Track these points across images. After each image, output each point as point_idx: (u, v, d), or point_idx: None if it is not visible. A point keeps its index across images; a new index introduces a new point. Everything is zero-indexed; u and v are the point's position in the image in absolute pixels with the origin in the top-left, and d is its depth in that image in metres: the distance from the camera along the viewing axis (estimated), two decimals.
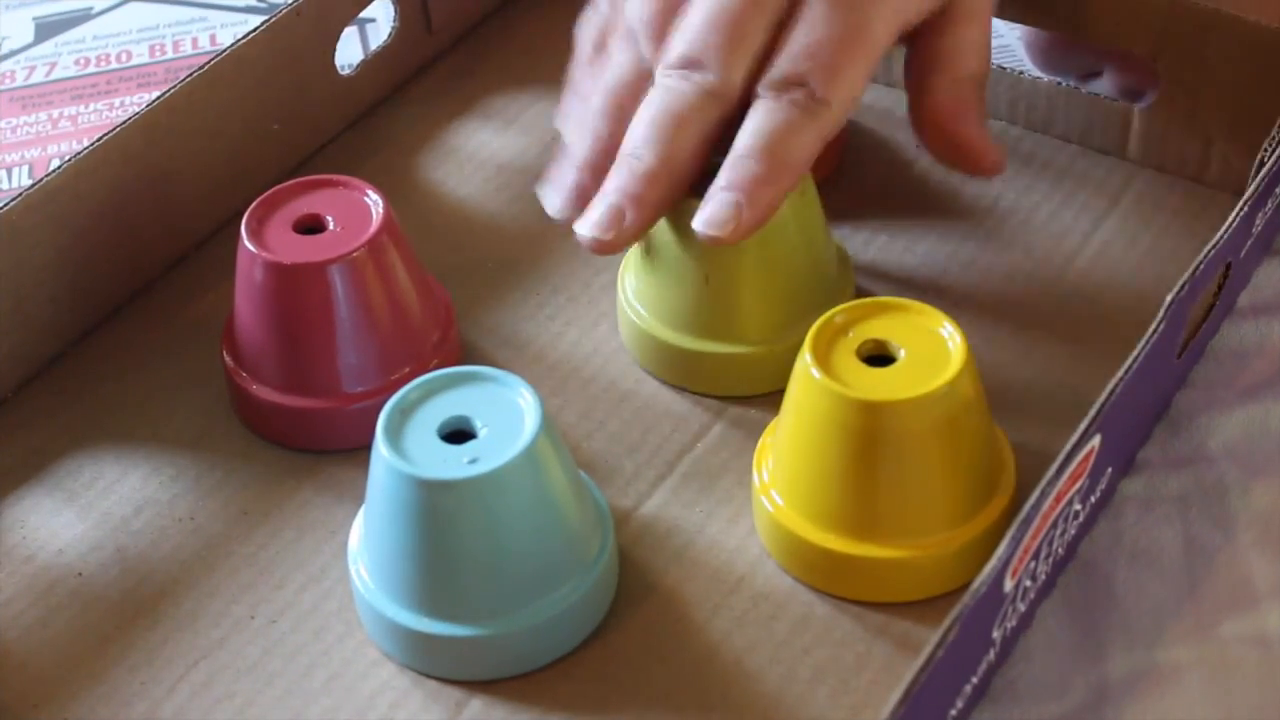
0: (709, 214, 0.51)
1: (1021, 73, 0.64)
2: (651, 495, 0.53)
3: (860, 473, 0.48)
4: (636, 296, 0.57)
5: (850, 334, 0.49)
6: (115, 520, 0.54)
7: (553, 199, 0.54)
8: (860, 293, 0.59)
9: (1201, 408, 0.55)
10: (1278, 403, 0.55)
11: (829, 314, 0.50)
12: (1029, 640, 0.49)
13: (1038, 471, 0.46)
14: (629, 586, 0.51)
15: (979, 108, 0.55)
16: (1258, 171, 0.54)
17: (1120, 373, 0.47)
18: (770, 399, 0.54)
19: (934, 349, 0.49)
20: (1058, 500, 0.46)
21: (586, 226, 0.52)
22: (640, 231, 0.52)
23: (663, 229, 0.55)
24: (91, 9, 0.80)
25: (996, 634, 0.46)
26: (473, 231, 0.63)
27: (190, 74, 0.60)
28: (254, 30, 0.62)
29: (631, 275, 0.57)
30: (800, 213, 0.54)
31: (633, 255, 0.58)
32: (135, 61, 0.76)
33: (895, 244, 0.61)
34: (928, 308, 0.50)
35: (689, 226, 0.53)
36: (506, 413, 0.48)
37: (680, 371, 0.56)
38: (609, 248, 0.52)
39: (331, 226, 0.54)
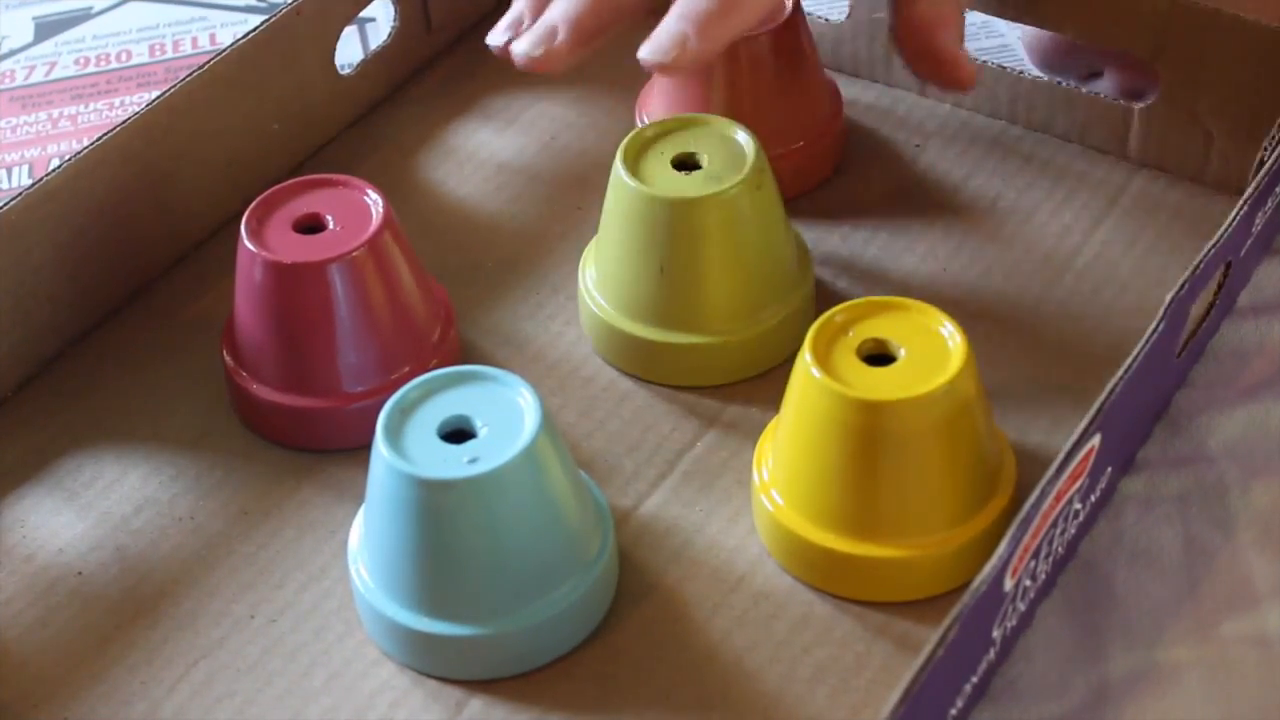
0: (654, 43, 0.51)
1: (1021, 72, 0.64)
2: (651, 494, 0.53)
3: (860, 472, 0.48)
4: (596, 286, 0.57)
5: (850, 333, 0.49)
6: (115, 519, 0.54)
7: (493, 36, 0.54)
8: (859, 291, 0.59)
9: (1201, 407, 0.55)
10: (1278, 402, 0.55)
11: (829, 313, 0.50)
12: (1029, 640, 0.49)
13: (1038, 471, 0.46)
14: (629, 586, 0.51)
15: (957, 22, 0.56)
16: (1257, 171, 0.54)
17: (1120, 372, 0.47)
18: (769, 397, 0.54)
19: (934, 348, 0.49)
20: (1058, 499, 0.46)
21: (520, 45, 0.52)
22: (573, 51, 0.52)
23: (620, 219, 0.55)
24: (91, 8, 0.80)
25: (996, 633, 0.46)
26: (473, 231, 0.63)
27: (190, 74, 0.60)
28: (254, 30, 0.62)
29: (592, 265, 0.58)
30: (758, 203, 0.55)
31: (594, 245, 0.58)
32: (135, 61, 0.76)
33: (895, 244, 0.61)
34: (928, 307, 0.50)
35: (645, 215, 0.54)
36: (506, 412, 0.48)
37: (638, 361, 0.57)
38: (542, 65, 0.52)
39: (331, 226, 0.54)
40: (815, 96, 0.63)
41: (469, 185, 0.65)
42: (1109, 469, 0.51)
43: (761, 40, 0.60)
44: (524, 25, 0.54)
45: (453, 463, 0.47)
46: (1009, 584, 0.45)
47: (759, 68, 0.60)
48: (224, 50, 0.61)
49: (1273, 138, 0.55)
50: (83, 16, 0.79)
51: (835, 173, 0.64)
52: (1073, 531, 0.50)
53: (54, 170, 0.56)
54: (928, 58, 0.56)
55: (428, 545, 0.47)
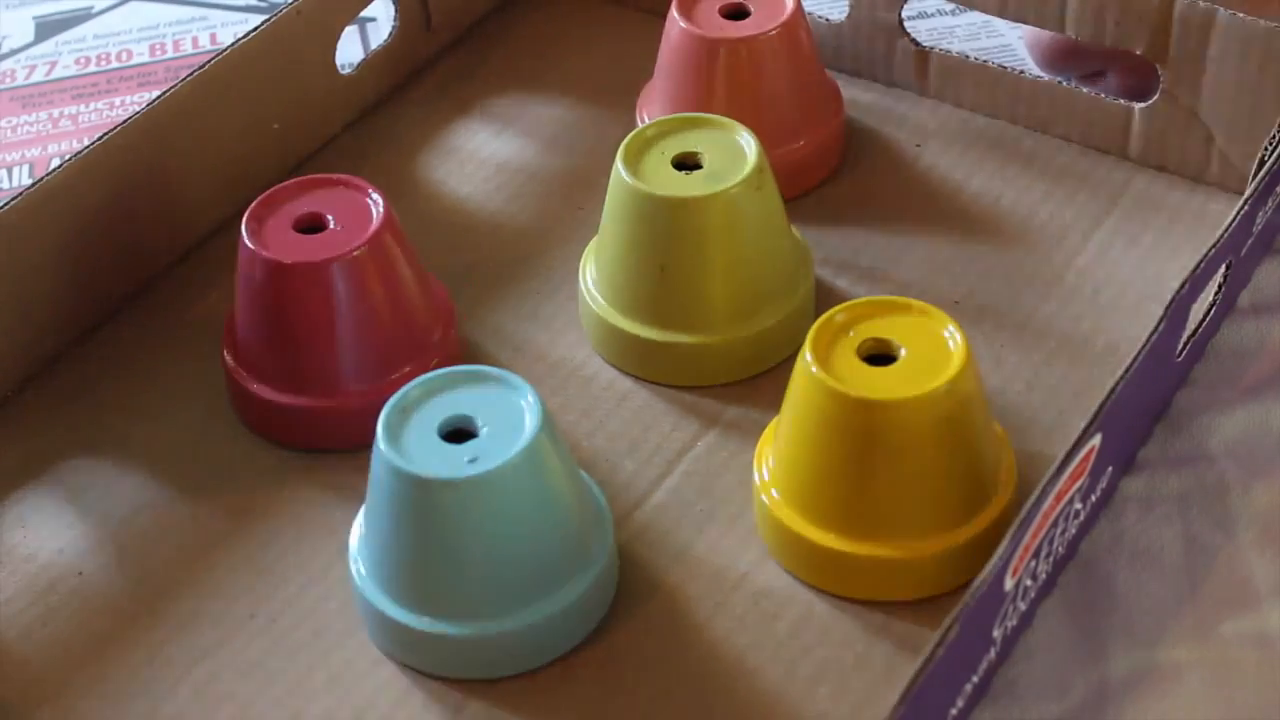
0: None
1: (1022, 72, 0.64)
2: (652, 494, 0.53)
3: (861, 472, 0.48)
4: (596, 286, 0.57)
5: (851, 333, 0.49)
6: (115, 519, 0.54)
7: None
8: (859, 291, 0.59)
9: (1202, 407, 0.55)
10: (1278, 402, 0.55)
11: (829, 313, 0.50)
12: (1029, 639, 0.49)
13: (1038, 471, 0.46)
14: (629, 586, 0.51)
15: None
16: (1258, 170, 0.54)
17: (1121, 372, 0.47)
18: (769, 397, 0.54)
19: (934, 348, 0.49)
20: (1058, 499, 0.46)
21: None
22: None
23: (620, 219, 0.55)
24: (92, 8, 0.80)
25: (997, 633, 0.46)
26: (473, 231, 0.63)
27: (190, 74, 0.60)
28: (254, 30, 0.62)
29: (592, 265, 0.58)
30: (758, 203, 0.55)
31: (594, 244, 0.58)
32: (135, 61, 0.76)
33: (895, 244, 0.61)
34: (928, 307, 0.50)
35: (645, 215, 0.54)
36: (507, 412, 0.48)
37: (638, 361, 0.57)
38: None
39: (332, 225, 0.54)
40: (815, 96, 0.63)
41: (469, 185, 0.65)
42: (1109, 469, 0.51)
43: (762, 40, 0.60)
44: None
45: (453, 462, 0.47)
46: (1009, 584, 0.45)
47: (759, 67, 0.61)
48: (224, 50, 0.61)
49: (1273, 138, 0.55)
50: (83, 16, 0.79)
51: (835, 172, 0.64)
52: (1073, 531, 0.50)
53: (54, 170, 0.56)
54: None
55: (428, 545, 0.47)
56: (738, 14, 0.61)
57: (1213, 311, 0.55)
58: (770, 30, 0.60)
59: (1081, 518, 0.50)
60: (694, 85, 0.61)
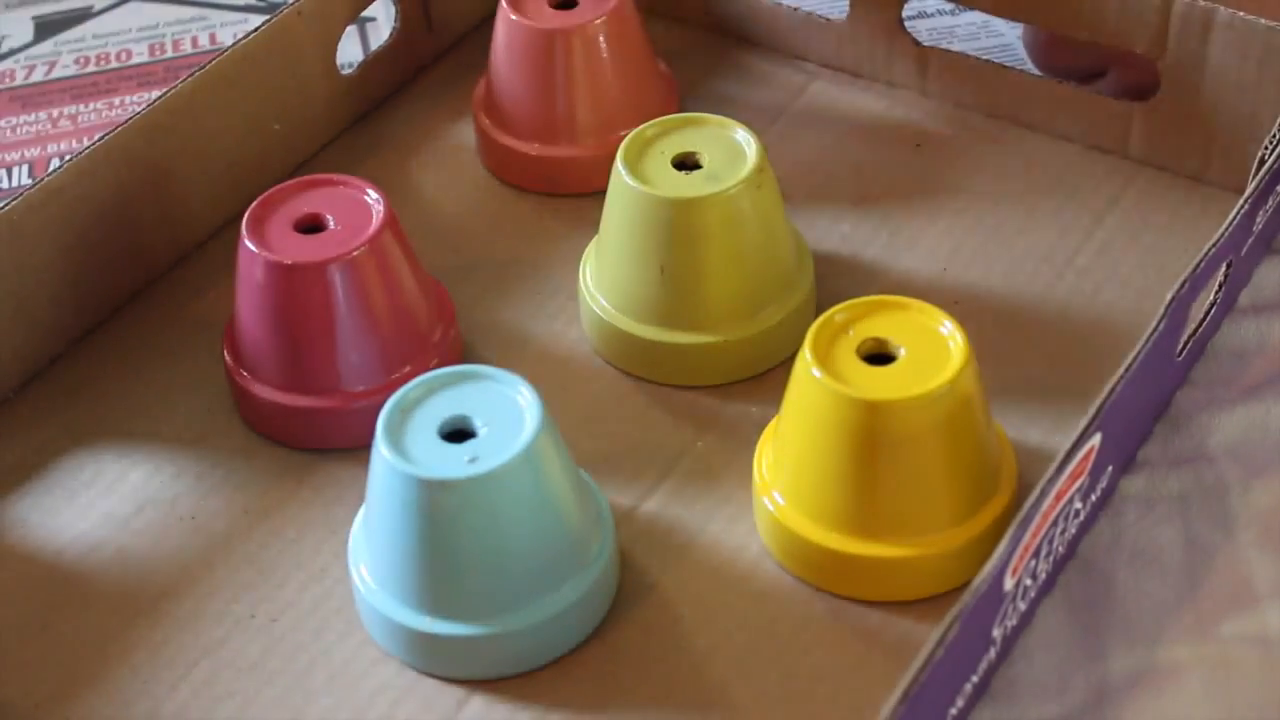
0: None
1: (1022, 73, 0.64)
2: (652, 494, 0.53)
3: (861, 471, 0.48)
4: (596, 286, 0.57)
5: (850, 332, 0.49)
6: (116, 520, 0.54)
7: None
8: (859, 291, 0.59)
9: (1202, 406, 0.55)
10: (1278, 402, 0.55)
11: (829, 313, 0.50)
12: (1029, 639, 0.49)
13: (1038, 470, 0.46)
14: (629, 586, 0.51)
15: None
16: (1258, 170, 0.54)
17: (1121, 371, 0.47)
18: (769, 397, 0.54)
19: (934, 347, 0.49)
20: (1058, 499, 0.46)
21: None
22: None
23: (620, 219, 0.55)
24: (92, 8, 0.80)
25: (997, 633, 0.46)
26: (473, 231, 0.63)
27: (190, 74, 0.60)
28: (254, 30, 0.62)
29: (592, 265, 0.58)
30: (758, 203, 0.55)
31: (594, 245, 0.58)
32: (135, 60, 0.76)
33: (895, 244, 0.61)
34: (928, 306, 0.50)
35: (645, 215, 0.54)
36: (506, 412, 0.48)
37: (638, 361, 0.57)
38: None
39: (332, 226, 0.54)
40: (647, 85, 0.63)
41: (470, 185, 0.65)
42: (1109, 468, 0.51)
43: (590, 28, 0.61)
44: None
45: (453, 462, 0.47)
46: (1009, 583, 0.45)
47: (591, 56, 0.61)
48: (224, 50, 0.61)
49: (1273, 136, 0.55)
50: (83, 16, 0.79)
51: (835, 172, 0.64)
52: (1073, 531, 0.50)
53: (55, 170, 0.56)
54: None
55: (428, 545, 0.47)
56: (567, 4, 0.62)
57: (1213, 311, 0.55)
58: (598, 19, 0.61)
59: (1081, 517, 0.50)
60: (528, 77, 0.62)
